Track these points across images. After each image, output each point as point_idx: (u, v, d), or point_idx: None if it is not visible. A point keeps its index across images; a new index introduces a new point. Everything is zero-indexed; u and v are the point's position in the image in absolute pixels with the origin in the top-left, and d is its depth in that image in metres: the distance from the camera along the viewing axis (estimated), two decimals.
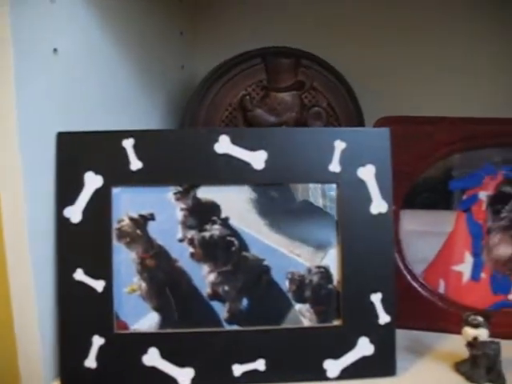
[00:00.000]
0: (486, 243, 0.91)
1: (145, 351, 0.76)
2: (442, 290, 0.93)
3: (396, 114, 0.94)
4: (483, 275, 0.92)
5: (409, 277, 0.93)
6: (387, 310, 0.78)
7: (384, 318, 0.78)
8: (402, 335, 0.89)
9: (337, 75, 1.01)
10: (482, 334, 0.75)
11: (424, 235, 0.94)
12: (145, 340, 0.77)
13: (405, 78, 1.09)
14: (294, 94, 0.99)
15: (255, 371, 0.77)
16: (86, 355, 0.76)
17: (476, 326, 0.76)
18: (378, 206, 0.77)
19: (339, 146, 0.77)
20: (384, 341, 0.78)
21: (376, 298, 0.77)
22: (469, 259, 0.92)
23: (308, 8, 1.13)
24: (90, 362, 0.76)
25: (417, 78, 1.09)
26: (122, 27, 0.91)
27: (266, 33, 1.12)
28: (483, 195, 0.91)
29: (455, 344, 0.80)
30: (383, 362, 0.78)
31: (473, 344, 0.77)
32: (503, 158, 0.91)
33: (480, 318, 0.76)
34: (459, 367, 0.80)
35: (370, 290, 0.77)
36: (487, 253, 0.91)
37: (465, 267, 0.92)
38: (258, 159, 0.76)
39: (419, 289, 0.93)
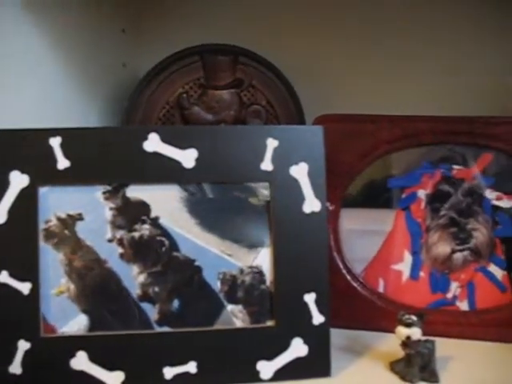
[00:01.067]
0: (425, 242, 0.91)
1: (73, 355, 0.74)
2: (381, 289, 0.93)
3: (339, 112, 0.93)
4: (422, 274, 0.91)
5: (348, 276, 0.92)
6: (321, 311, 0.77)
7: (318, 319, 0.77)
8: (340, 335, 0.89)
9: (276, 73, 0.99)
10: (415, 333, 0.75)
11: (364, 234, 0.93)
12: (73, 343, 0.75)
13: (347, 76, 1.08)
14: (232, 91, 0.98)
15: (187, 374, 0.75)
16: (10, 361, 0.73)
17: (409, 325, 0.75)
18: (311, 204, 0.76)
19: (271, 144, 0.76)
20: (318, 341, 0.77)
21: (310, 299, 0.76)
22: (408, 258, 0.91)
23: (248, 5, 1.11)
24: (15, 368, 0.73)
25: (360, 75, 1.08)
26: (59, 23, 0.89)
27: (211, 30, 1.10)
28: (422, 193, 0.91)
29: (394, 343, 0.79)
30: (317, 362, 0.77)
31: (406, 343, 0.76)
32: (442, 156, 0.91)
33: (414, 317, 0.76)
34: (394, 366, 0.79)
35: (304, 290, 0.76)
36: (426, 251, 0.91)
37: (404, 266, 0.92)
38: (188, 158, 0.75)
39: (359, 288, 0.92)
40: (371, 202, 0.94)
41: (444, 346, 0.85)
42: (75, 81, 0.97)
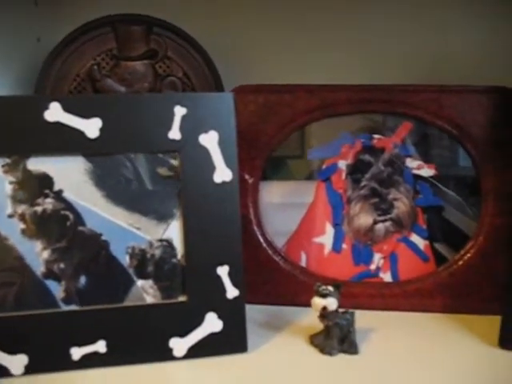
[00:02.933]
0: (347, 213, 0.89)
1: None
2: (303, 262, 0.91)
3: (260, 83, 0.90)
4: (344, 246, 0.89)
5: (269, 250, 0.90)
6: (235, 284, 0.74)
7: (232, 292, 0.74)
8: (262, 310, 0.87)
9: (193, 43, 0.96)
10: (331, 303, 0.73)
11: (285, 207, 0.91)
12: None
13: (268, 46, 1.05)
14: (146, 63, 0.94)
15: (95, 354, 0.72)
16: None
17: (325, 295, 0.73)
18: (222, 174, 0.73)
19: (179, 112, 0.73)
20: (233, 316, 0.74)
21: (223, 271, 0.74)
22: (330, 230, 0.90)
23: None
24: None
25: (280, 45, 1.05)
26: None
27: (126, 0, 1.05)
28: (342, 164, 0.89)
29: (316, 318, 0.77)
30: (233, 338, 0.75)
31: (324, 315, 0.74)
32: (361, 125, 0.89)
33: (330, 288, 0.74)
34: (313, 339, 0.77)
35: (217, 262, 0.74)
36: (348, 223, 0.89)
37: (326, 239, 0.90)
38: (91, 127, 0.71)
39: (280, 262, 0.90)
40: (292, 174, 0.91)
41: (367, 318, 0.84)
42: None
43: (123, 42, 0.94)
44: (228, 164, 0.74)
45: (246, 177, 0.89)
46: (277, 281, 0.89)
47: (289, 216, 0.90)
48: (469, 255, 0.86)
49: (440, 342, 0.79)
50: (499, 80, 0.87)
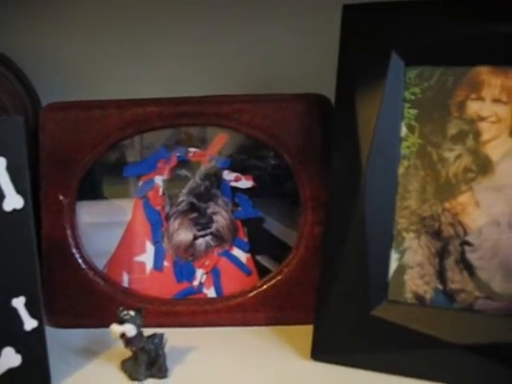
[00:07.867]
0: (166, 230, 0.87)
1: None
2: (126, 283, 0.88)
3: (87, 98, 0.87)
4: (166, 263, 0.88)
5: (90, 273, 0.87)
6: (33, 315, 0.71)
7: (30, 324, 0.71)
8: (83, 335, 0.85)
9: (3, 60, 0.91)
10: (129, 329, 0.71)
11: (104, 227, 0.88)
12: None
13: (89, 62, 1.01)
14: None
15: None
16: None
17: (122, 322, 0.70)
18: (12, 201, 0.70)
19: None
20: (32, 349, 0.71)
21: (18, 303, 0.70)
22: (150, 248, 0.88)
23: None
24: None
25: (99, 60, 1.02)
26: None
27: None
28: (159, 180, 0.87)
29: None
30: (34, 372, 0.72)
31: (128, 341, 0.72)
32: (176, 139, 0.87)
33: (131, 313, 0.72)
34: (124, 365, 0.76)
35: (11, 294, 0.70)
36: (168, 240, 0.87)
37: (147, 257, 0.88)
38: None
39: (101, 284, 0.87)
40: (109, 192, 0.88)
41: (188, 337, 0.83)
42: None
43: None
44: (19, 190, 0.71)
45: (61, 198, 0.85)
46: (99, 303, 0.87)
47: (109, 236, 0.88)
48: (290, 267, 0.86)
49: (256, 356, 0.79)
50: (316, 87, 0.86)
